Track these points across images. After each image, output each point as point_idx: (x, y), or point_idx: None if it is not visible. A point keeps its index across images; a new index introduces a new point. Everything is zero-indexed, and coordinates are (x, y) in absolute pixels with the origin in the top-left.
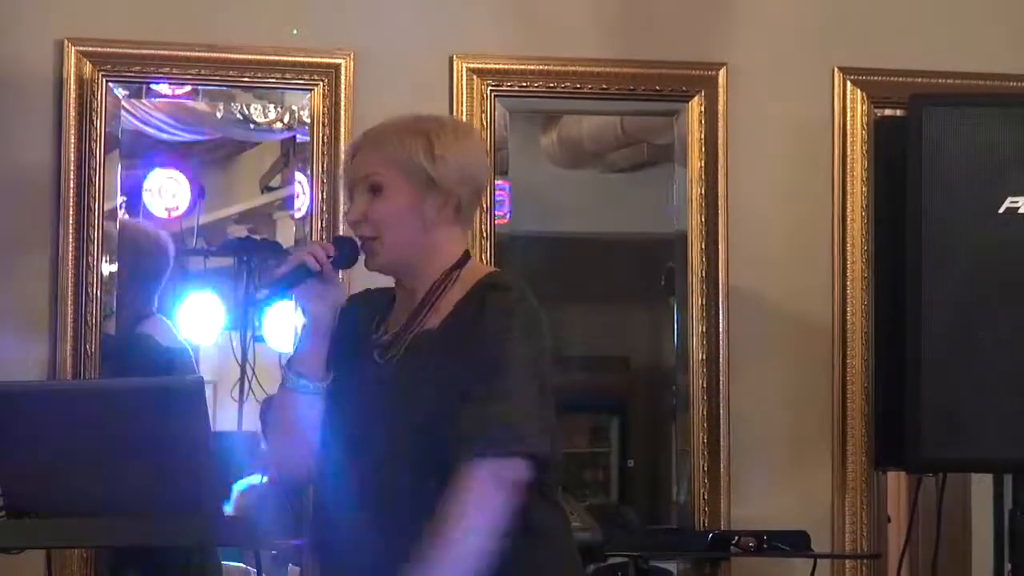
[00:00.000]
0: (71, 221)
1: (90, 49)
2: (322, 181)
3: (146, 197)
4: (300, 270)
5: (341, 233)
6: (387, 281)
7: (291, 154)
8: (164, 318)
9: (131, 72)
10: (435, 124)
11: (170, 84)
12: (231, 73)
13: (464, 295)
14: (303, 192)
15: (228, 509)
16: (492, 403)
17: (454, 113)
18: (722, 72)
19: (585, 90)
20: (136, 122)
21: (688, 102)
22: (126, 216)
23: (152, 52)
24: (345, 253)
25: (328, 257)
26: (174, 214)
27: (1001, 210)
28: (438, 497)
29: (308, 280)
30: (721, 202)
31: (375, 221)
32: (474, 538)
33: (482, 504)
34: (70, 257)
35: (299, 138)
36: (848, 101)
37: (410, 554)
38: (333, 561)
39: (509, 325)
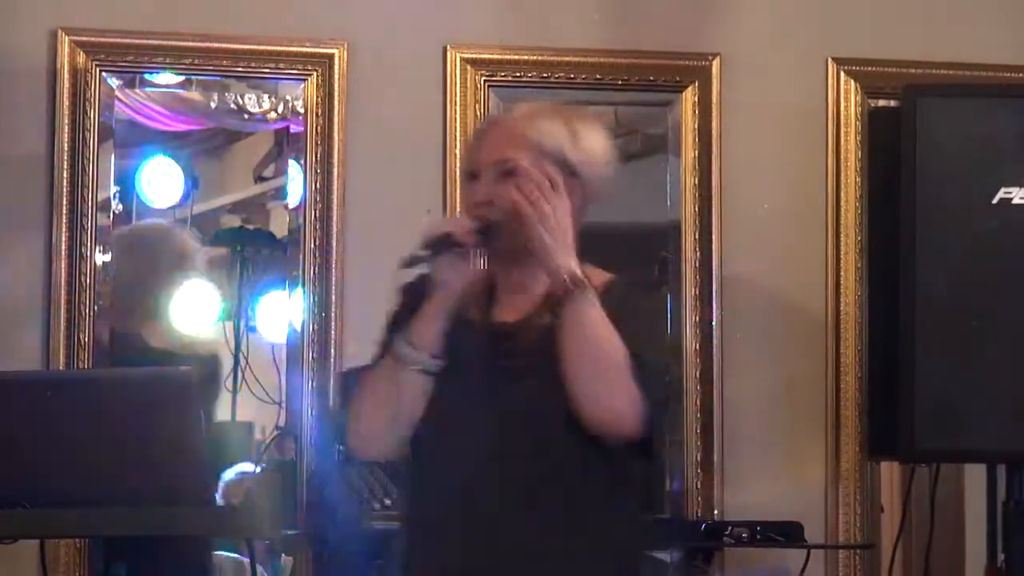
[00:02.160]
0: (64, 211)
1: (84, 39)
2: (316, 171)
3: (139, 187)
4: (445, 239)
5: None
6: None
7: (285, 144)
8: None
9: (125, 62)
10: (575, 114)
11: (164, 74)
12: (225, 63)
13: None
14: (297, 182)
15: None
16: None
17: (447, 103)
18: (716, 62)
19: (579, 80)
20: (130, 112)
21: (682, 92)
22: (118, 206)
23: (146, 42)
24: (485, 232)
25: (472, 232)
26: (167, 204)
27: (995, 200)
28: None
29: (451, 251)
30: (715, 192)
31: (502, 209)
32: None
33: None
34: (63, 247)
35: (293, 128)
36: (842, 91)
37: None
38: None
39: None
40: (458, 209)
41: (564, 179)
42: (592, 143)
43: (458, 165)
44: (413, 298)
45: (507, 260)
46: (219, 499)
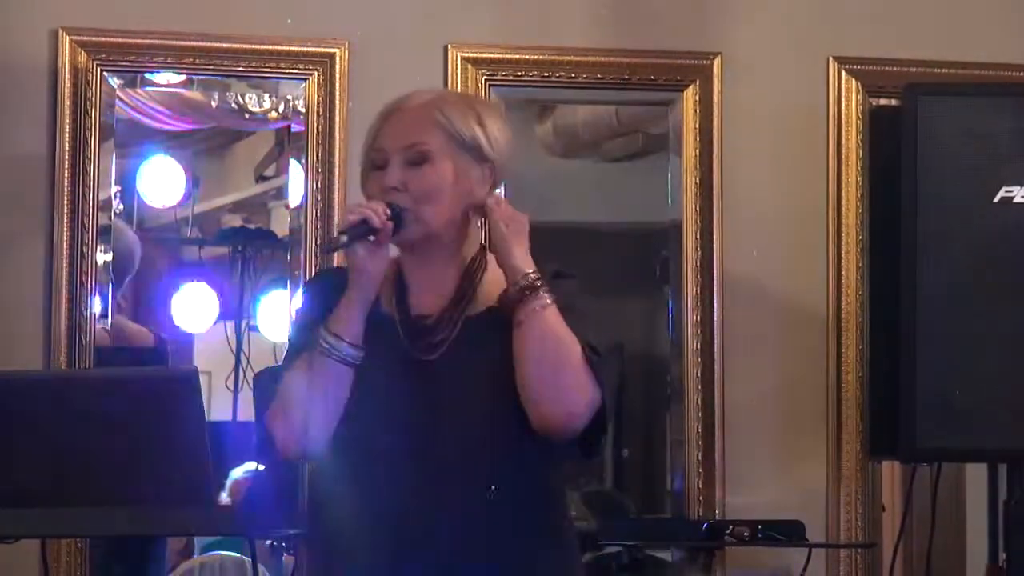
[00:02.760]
0: (66, 211)
1: (85, 38)
2: (317, 170)
3: (140, 187)
4: (362, 225)
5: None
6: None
7: (286, 143)
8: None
9: (126, 61)
10: (478, 99)
11: (165, 73)
12: (226, 62)
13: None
14: (298, 182)
15: (223, 498)
16: None
17: None
18: (717, 61)
19: (580, 79)
20: (130, 112)
21: (683, 91)
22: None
23: (147, 41)
24: (400, 218)
25: (387, 218)
26: (168, 204)
27: (996, 199)
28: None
29: (367, 238)
30: (716, 191)
31: (417, 191)
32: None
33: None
34: (65, 247)
35: (294, 127)
36: (843, 91)
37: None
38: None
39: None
40: (366, 195)
41: (474, 163)
42: (498, 125)
43: None
44: (323, 293)
45: (417, 249)
46: (225, 497)
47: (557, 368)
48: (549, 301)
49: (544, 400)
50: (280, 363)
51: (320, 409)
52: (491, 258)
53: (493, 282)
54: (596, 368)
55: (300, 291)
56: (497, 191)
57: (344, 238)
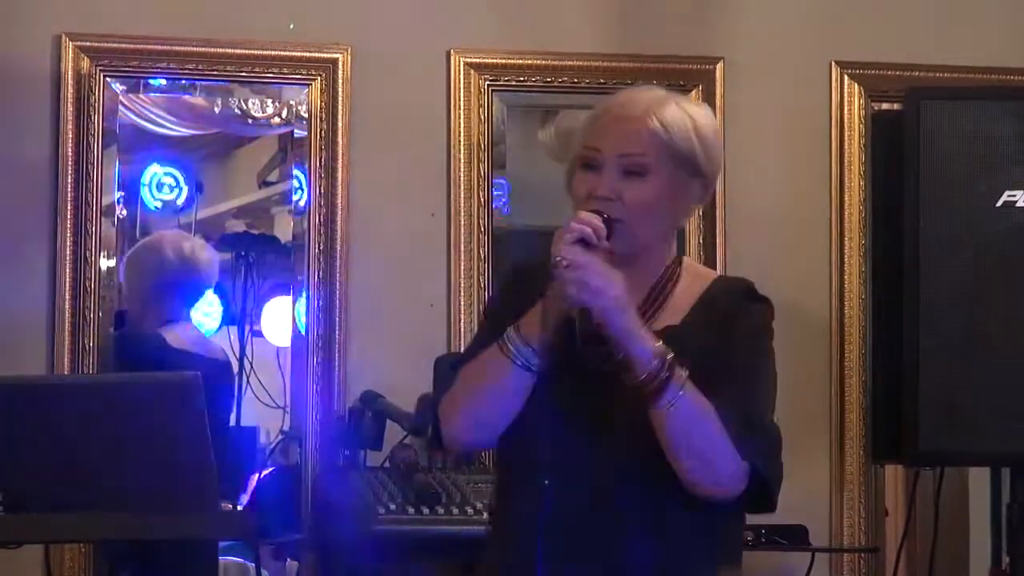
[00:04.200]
0: (69, 216)
1: (87, 44)
2: (320, 175)
3: (143, 192)
4: (582, 241)
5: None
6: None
7: (289, 149)
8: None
9: (128, 67)
10: (694, 106)
11: (167, 79)
12: (229, 68)
13: (703, 295)
14: (301, 187)
15: (244, 501)
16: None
17: (451, 108)
18: (719, 66)
19: (582, 84)
20: (133, 117)
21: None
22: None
23: (149, 47)
24: (611, 230)
25: (604, 233)
26: (171, 209)
27: (999, 203)
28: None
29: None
30: (718, 196)
31: (633, 205)
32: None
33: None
34: (68, 252)
35: (297, 133)
36: (845, 95)
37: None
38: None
39: (765, 345)
40: (572, 193)
41: (685, 179)
42: (712, 134)
43: (461, 169)
44: (514, 291)
45: (617, 259)
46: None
47: (703, 454)
48: (685, 377)
49: (689, 482)
50: (464, 350)
51: (493, 408)
52: (686, 267)
53: (684, 293)
54: (747, 440)
55: (496, 284)
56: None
57: (564, 262)
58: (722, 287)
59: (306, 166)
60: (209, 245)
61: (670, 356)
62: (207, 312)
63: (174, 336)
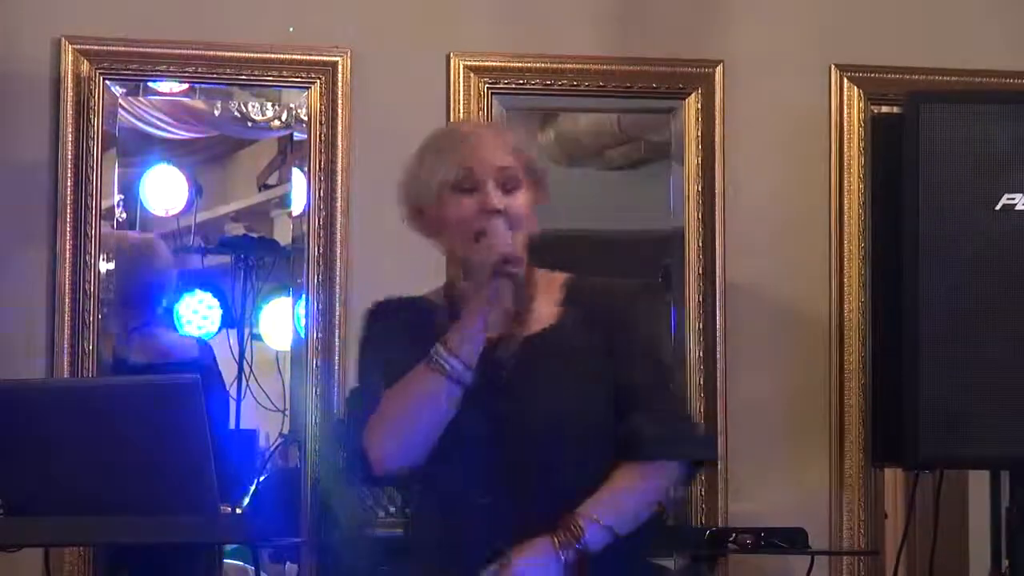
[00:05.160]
0: (68, 219)
1: (87, 47)
2: (319, 179)
3: (143, 195)
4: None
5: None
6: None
7: (288, 152)
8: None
9: (128, 70)
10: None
11: (167, 82)
12: (228, 71)
13: (563, 299)
14: (300, 190)
15: (244, 504)
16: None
17: (451, 111)
18: (719, 69)
19: (582, 87)
20: (133, 120)
21: (685, 99)
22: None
23: (149, 50)
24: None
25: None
26: (171, 212)
27: (998, 207)
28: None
29: (508, 272)
30: (718, 199)
31: (513, 217)
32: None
33: (658, 487)
34: (68, 255)
35: (296, 136)
36: (845, 98)
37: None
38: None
39: (658, 333)
40: (449, 218)
41: (530, 182)
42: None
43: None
44: (391, 326)
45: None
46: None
47: (653, 504)
48: (600, 528)
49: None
50: (358, 388)
51: (425, 427)
52: (537, 276)
53: (544, 301)
54: (674, 444)
55: (364, 324)
56: None
57: (520, 273)
58: (586, 289)
59: (305, 169)
60: (161, 240)
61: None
62: (205, 315)
63: (139, 344)
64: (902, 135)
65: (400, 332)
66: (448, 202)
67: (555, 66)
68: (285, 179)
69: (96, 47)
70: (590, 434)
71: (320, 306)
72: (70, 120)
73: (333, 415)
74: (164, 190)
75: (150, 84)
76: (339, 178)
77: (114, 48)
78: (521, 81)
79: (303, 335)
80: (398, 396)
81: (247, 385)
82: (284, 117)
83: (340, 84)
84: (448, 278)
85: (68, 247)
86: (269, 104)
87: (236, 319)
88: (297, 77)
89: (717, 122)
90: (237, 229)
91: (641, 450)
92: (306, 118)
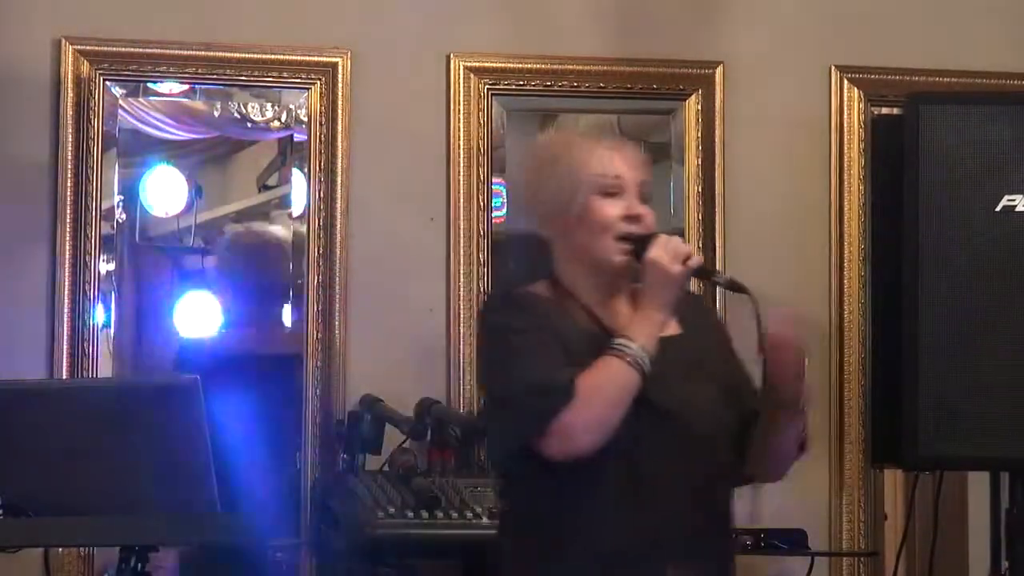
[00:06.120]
0: (68, 220)
1: (87, 48)
2: (319, 179)
3: (143, 196)
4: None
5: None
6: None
7: (288, 153)
8: None
9: (128, 71)
10: None
11: (167, 83)
12: (228, 72)
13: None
14: (300, 190)
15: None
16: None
17: (451, 112)
18: (719, 70)
19: (582, 89)
20: (133, 121)
21: (685, 100)
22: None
23: (149, 51)
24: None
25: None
26: (171, 213)
27: (998, 208)
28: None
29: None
30: (718, 200)
31: (649, 225)
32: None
33: None
34: (68, 256)
35: (296, 137)
36: (845, 99)
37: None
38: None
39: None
40: (594, 216)
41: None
42: None
43: (460, 173)
44: (533, 312)
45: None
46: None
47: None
48: None
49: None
50: (530, 369)
51: (618, 416)
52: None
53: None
54: None
55: (495, 315)
56: None
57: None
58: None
59: (305, 170)
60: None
61: None
62: (205, 315)
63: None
64: (902, 136)
65: (543, 319)
66: (593, 204)
67: (555, 67)
68: (285, 180)
69: (96, 48)
70: (730, 424)
71: (320, 306)
72: (70, 121)
73: (334, 416)
74: (164, 191)
75: (150, 85)
76: (339, 179)
77: (114, 49)
78: (521, 82)
79: (303, 336)
80: (598, 386)
81: None
82: (284, 118)
83: (340, 85)
84: (556, 274)
85: (68, 248)
86: (269, 105)
87: (235, 320)
88: (297, 78)
89: (717, 123)
90: (237, 230)
91: None
92: (306, 119)
